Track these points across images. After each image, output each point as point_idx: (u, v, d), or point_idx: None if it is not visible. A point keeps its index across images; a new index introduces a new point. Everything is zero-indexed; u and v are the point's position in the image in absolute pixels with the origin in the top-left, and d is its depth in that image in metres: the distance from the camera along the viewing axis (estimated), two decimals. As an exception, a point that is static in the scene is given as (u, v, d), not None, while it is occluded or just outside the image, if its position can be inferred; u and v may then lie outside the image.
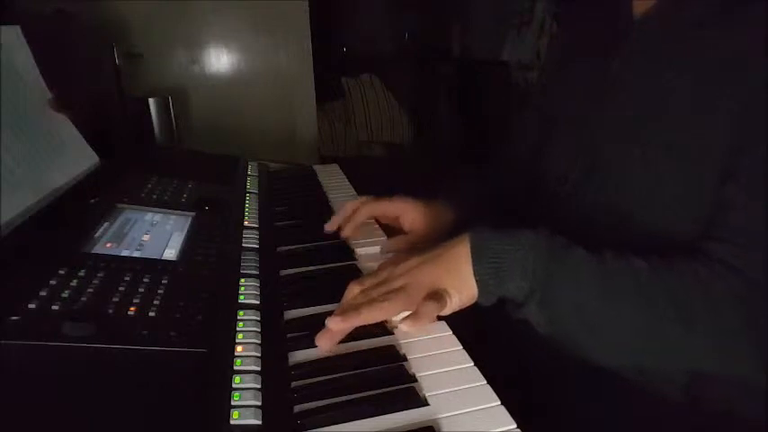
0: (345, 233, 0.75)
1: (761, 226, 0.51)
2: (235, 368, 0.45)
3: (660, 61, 0.61)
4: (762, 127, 0.52)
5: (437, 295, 0.53)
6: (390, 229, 0.80)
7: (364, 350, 0.51)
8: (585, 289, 0.52)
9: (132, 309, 0.49)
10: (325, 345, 0.51)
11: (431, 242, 0.76)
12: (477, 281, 0.53)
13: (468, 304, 0.55)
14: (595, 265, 0.52)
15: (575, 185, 0.69)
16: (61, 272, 0.52)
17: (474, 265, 0.53)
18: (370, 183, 0.83)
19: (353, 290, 0.55)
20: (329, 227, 0.76)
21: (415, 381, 0.47)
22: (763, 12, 0.53)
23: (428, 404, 0.44)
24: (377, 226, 0.81)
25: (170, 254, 0.61)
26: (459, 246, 0.55)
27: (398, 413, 0.43)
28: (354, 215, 0.75)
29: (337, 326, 0.50)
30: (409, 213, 0.77)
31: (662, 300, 0.50)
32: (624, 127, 0.63)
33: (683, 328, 0.50)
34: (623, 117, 0.64)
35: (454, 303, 0.54)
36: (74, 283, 0.51)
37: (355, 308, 0.51)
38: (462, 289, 0.54)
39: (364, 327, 0.55)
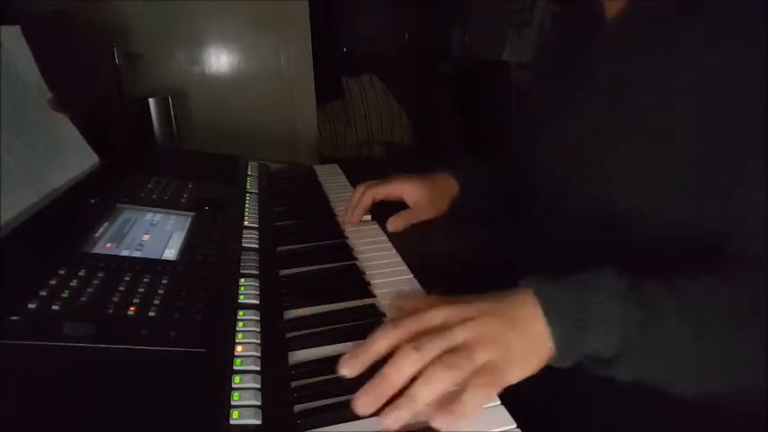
0: (353, 220, 0.81)
1: None
2: (235, 368, 0.45)
3: (630, 59, 0.63)
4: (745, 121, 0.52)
5: (492, 373, 0.42)
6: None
7: (364, 350, 0.51)
8: (677, 328, 0.47)
9: (132, 309, 0.49)
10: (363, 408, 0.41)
11: (434, 215, 0.82)
12: (556, 342, 0.45)
13: (533, 373, 0.45)
14: (677, 299, 0.47)
15: (561, 185, 0.70)
16: (61, 272, 0.52)
17: (551, 325, 0.45)
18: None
19: (386, 337, 0.44)
20: (347, 219, 0.81)
21: (416, 381, 0.47)
22: (724, 8, 0.55)
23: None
24: (376, 225, 0.82)
25: (170, 254, 0.61)
26: (524, 301, 0.46)
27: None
28: (360, 201, 0.81)
29: (368, 406, 0.41)
30: (411, 193, 0.82)
31: (743, 312, 0.48)
32: (600, 125, 0.65)
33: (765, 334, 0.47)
34: (599, 116, 0.65)
35: (514, 376, 0.44)
36: (74, 283, 0.51)
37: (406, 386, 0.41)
38: (534, 354, 0.45)
39: (365, 327, 0.55)
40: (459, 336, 0.43)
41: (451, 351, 0.42)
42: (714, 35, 0.55)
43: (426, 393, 0.40)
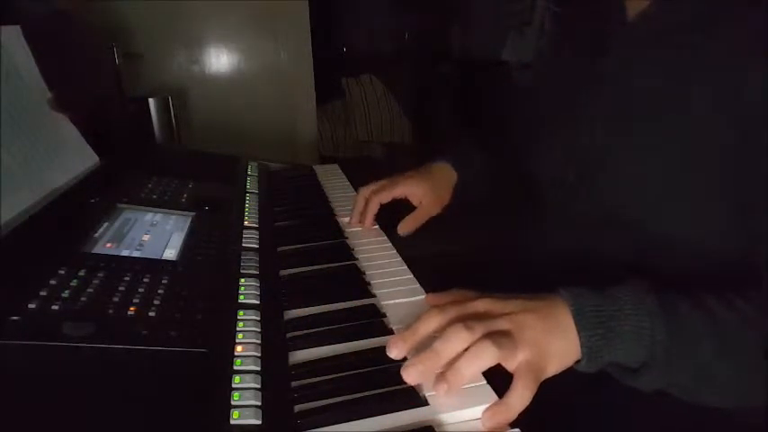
0: (366, 225, 0.81)
1: None
2: (235, 368, 0.45)
3: (650, 62, 0.61)
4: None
5: (536, 363, 0.44)
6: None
7: (364, 350, 0.51)
8: (705, 347, 0.48)
9: (132, 309, 0.49)
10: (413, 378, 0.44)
11: (440, 209, 0.83)
12: (583, 348, 0.47)
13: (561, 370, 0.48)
14: (707, 319, 0.48)
15: (570, 188, 0.69)
16: (61, 272, 0.52)
17: (581, 332, 0.47)
18: (370, 183, 0.84)
19: (433, 320, 0.47)
20: (353, 221, 0.82)
21: (416, 381, 0.47)
22: (747, 16, 0.54)
23: (428, 404, 0.44)
24: (377, 226, 0.82)
25: (170, 254, 0.61)
26: (559, 306, 0.48)
27: (398, 413, 0.43)
28: (368, 208, 0.81)
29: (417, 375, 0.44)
30: (415, 193, 0.82)
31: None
32: (615, 127, 0.64)
33: None
34: (614, 117, 0.64)
35: (551, 370, 0.46)
36: (74, 283, 0.51)
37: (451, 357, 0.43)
38: (565, 355, 0.47)
39: (365, 327, 0.55)
40: (503, 324, 0.45)
41: (498, 334, 0.44)
42: (743, 46, 0.53)
43: (472, 367, 0.43)
